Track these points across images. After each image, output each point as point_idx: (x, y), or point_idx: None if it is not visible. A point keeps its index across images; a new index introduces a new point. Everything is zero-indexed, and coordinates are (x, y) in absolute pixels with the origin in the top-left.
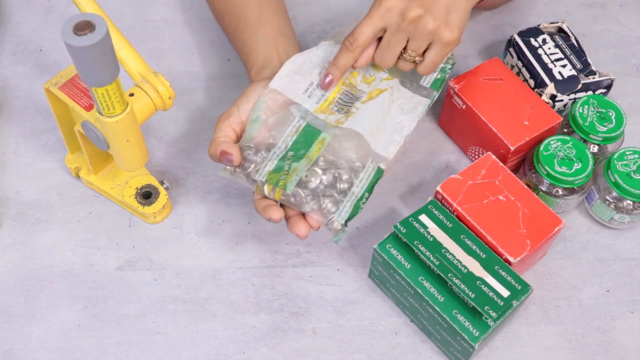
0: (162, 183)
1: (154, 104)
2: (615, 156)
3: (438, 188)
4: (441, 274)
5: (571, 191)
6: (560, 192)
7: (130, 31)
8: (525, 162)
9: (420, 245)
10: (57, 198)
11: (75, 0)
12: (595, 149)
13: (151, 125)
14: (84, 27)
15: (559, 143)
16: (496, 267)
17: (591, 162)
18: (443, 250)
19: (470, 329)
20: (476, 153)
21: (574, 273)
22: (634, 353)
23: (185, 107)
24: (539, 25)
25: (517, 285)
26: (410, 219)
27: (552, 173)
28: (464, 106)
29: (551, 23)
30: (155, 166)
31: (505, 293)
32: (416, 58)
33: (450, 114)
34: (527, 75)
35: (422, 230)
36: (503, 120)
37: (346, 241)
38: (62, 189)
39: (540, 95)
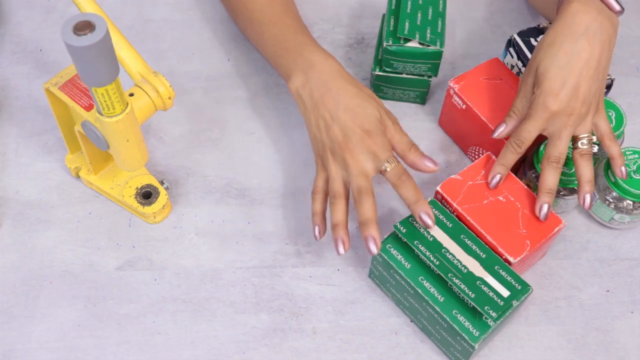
0: (162, 183)
1: (154, 104)
2: None
3: (438, 188)
4: (441, 274)
5: (571, 191)
6: (561, 192)
7: (130, 31)
8: (525, 162)
9: (420, 245)
10: (57, 198)
11: (75, 0)
12: (595, 148)
13: (151, 125)
14: (84, 27)
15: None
16: (496, 267)
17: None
18: (443, 250)
19: (470, 329)
20: (476, 153)
21: (574, 273)
22: (634, 353)
23: (185, 107)
24: (539, 25)
25: (517, 285)
26: (410, 219)
27: None
28: (464, 106)
29: (551, 23)
30: (155, 166)
31: (505, 293)
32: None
33: (450, 114)
34: None
35: (421, 230)
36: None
37: None
38: (62, 189)
39: None
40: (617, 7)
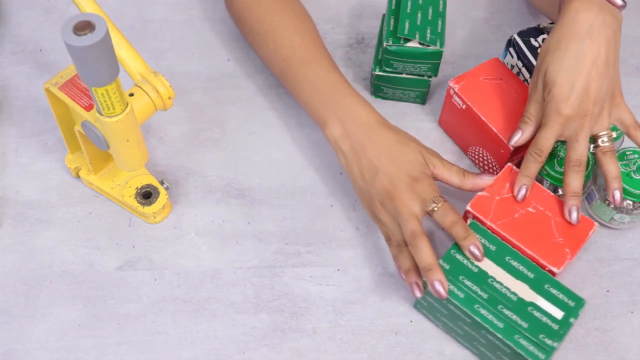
0: (162, 183)
1: (154, 104)
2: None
3: (468, 207)
4: (491, 308)
5: None
6: (561, 192)
7: (130, 31)
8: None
9: (466, 281)
10: (57, 198)
11: (75, 0)
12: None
13: (151, 125)
14: (84, 27)
15: (559, 143)
16: (546, 286)
17: (591, 162)
18: (490, 280)
19: (535, 353)
20: (476, 153)
21: (574, 273)
22: (634, 353)
23: (185, 107)
24: (539, 25)
25: (570, 302)
26: (452, 251)
27: (552, 173)
28: (464, 106)
29: (551, 23)
30: (155, 166)
31: (558, 314)
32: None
33: (450, 114)
34: (527, 75)
35: (465, 261)
36: (503, 120)
37: (346, 241)
38: (62, 189)
39: None
40: (620, 2)
